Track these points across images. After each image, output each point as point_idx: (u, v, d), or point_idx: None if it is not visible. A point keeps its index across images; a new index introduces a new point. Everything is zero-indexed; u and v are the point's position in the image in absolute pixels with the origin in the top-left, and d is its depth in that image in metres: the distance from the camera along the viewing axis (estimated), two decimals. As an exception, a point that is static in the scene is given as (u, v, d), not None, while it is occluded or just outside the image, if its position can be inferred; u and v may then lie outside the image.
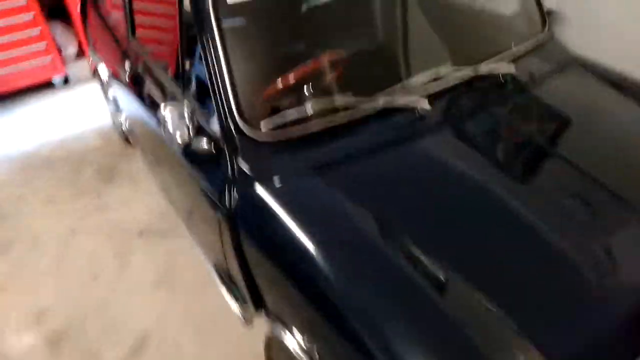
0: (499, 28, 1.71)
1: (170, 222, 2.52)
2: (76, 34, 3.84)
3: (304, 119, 1.33)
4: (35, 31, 3.56)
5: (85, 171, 2.96)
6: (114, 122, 3.17)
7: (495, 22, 1.72)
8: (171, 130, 1.33)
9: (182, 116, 1.34)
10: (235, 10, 1.31)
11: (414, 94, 1.38)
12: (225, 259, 1.52)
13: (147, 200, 2.69)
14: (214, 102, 1.34)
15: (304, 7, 1.49)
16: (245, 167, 1.31)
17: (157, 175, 2.27)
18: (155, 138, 1.90)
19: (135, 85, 1.95)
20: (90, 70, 3.92)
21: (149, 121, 1.91)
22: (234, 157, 1.33)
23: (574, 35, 1.85)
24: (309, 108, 1.32)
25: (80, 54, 3.93)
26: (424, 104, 1.35)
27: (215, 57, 1.30)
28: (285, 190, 1.26)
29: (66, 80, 3.92)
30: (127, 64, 1.98)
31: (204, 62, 1.33)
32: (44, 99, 3.79)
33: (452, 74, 1.43)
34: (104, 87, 2.92)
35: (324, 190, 1.26)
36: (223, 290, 1.72)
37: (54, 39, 3.69)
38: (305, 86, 1.35)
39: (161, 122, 1.36)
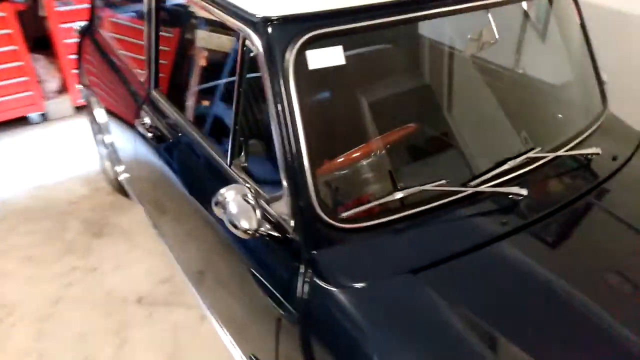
0: (569, 106, 1.61)
1: (174, 289, 2.24)
2: (60, 69, 3.54)
3: (389, 205, 1.16)
4: (17, 64, 3.24)
5: (70, 225, 2.63)
6: (104, 170, 2.87)
7: (563, 100, 1.63)
8: (235, 216, 1.11)
9: (247, 200, 1.13)
10: (317, 77, 1.13)
11: (499, 177, 1.25)
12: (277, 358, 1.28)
13: (146, 261, 2.39)
14: (285, 182, 1.13)
15: (391, 79, 1.34)
16: (321, 261, 1.11)
17: (170, 238, 2.00)
18: (181, 203, 1.66)
19: (158, 141, 1.71)
20: (72, 107, 3.62)
21: (172, 183, 1.67)
22: (308, 248, 1.12)
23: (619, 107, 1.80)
24: (399, 194, 1.14)
25: (63, 90, 3.62)
26: (522, 192, 1.20)
27: (292, 133, 1.10)
28: (371, 291, 1.07)
29: (44, 117, 3.58)
30: (146, 118, 1.75)
31: (275, 137, 1.13)
32: (17, 137, 3.42)
33: (538, 157, 1.31)
34: (99, 131, 2.63)
35: (415, 292, 1.07)
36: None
37: (36, 74, 3.38)
38: (389, 166, 1.18)
39: (220, 204, 1.14)
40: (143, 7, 1.73)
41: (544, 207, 1.23)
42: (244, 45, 1.22)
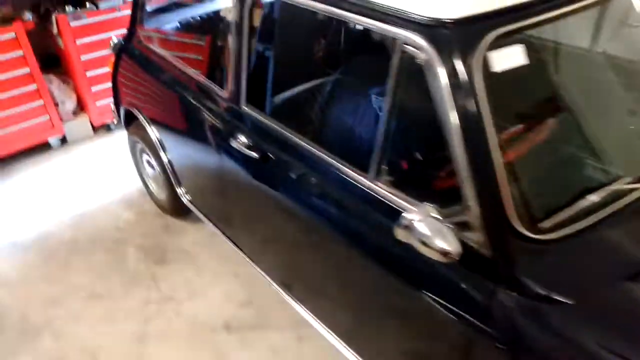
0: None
1: (258, 311, 2.13)
2: (74, 88, 3.32)
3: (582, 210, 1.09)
4: (31, 88, 3.02)
5: (127, 254, 2.47)
6: (150, 191, 2.70)
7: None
8: (430, 238, 1.03)
9: (436, 219, 1.05)
10: (501, 79, 1.04)
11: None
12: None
13: (220, 284, 2.27)
14: (473, 196, 1.05)
15: (569, 76, 1.26)
16: (527, 280, 1.03)
17: (266, 259, 1.89)
18: (298, 224, 1.56)
19: (264, 160, 1.58)
20: (91, 128, 3.41)
21: (282, 202, 1.57)
22: (506, 266, 1.04)
23: None
24: (593, 197, 1.08)
25: (79, 110, 3.40)
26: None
27: (482, 143, 1.02)
28: (593, 306, 1.01)
29: (63, 140, 3.36)
30: (242, 136, 1.62)
31: (456, 150, 1.04)
32: (40, 164, 3.20)
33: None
34: (146, 150, 2.46)
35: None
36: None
37: (51, 95, 3.16)
38: (579, 169, 1.11)
39: (408, 228, 1.05)
40: (228, 19, 1.60)
41: None
42: (401, 51, 1.12)
